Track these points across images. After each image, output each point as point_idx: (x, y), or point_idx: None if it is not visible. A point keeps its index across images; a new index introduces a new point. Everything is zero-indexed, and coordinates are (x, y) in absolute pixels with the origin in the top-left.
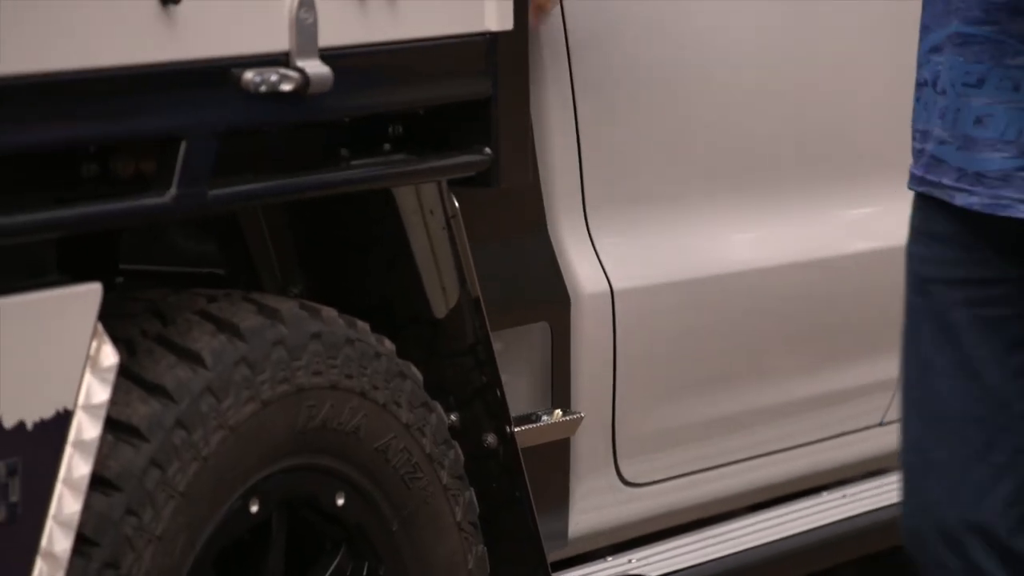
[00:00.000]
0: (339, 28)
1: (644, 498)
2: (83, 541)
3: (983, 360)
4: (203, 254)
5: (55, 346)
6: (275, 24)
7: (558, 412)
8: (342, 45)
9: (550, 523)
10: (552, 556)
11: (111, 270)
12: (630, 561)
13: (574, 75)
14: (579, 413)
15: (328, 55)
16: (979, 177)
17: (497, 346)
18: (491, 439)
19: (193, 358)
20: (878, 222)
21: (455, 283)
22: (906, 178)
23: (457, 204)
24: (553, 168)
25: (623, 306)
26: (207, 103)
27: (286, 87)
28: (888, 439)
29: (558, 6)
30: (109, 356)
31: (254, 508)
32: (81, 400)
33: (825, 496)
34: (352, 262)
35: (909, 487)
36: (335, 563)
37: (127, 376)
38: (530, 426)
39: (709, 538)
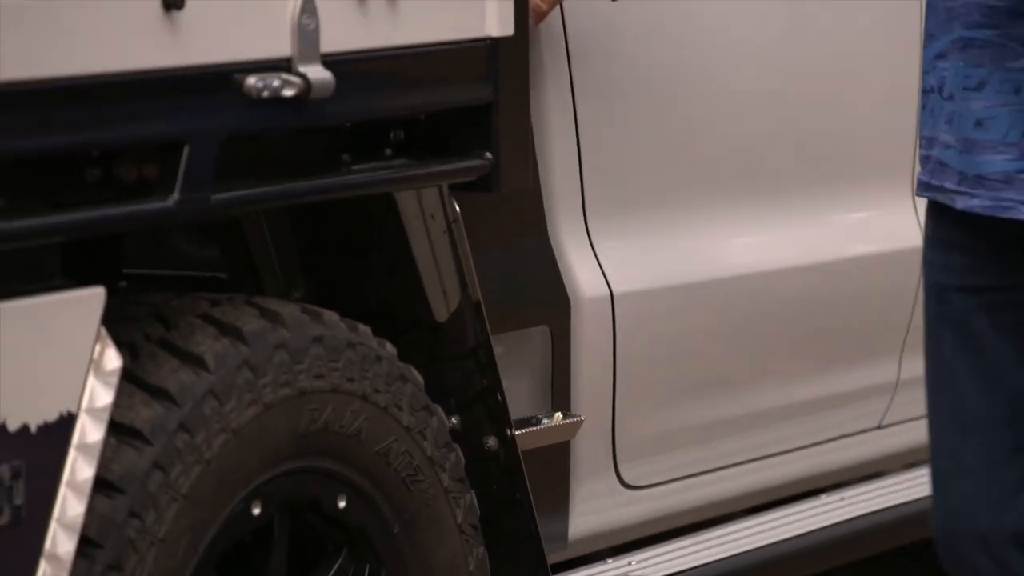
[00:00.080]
0: (341, 34)
1: (644, 501)
2: (87, 543)
3: (1006, 364)
4: (206, 258)
5: (59, 350)
6: (277, 30)
7: (558, 415)
8: (344, 51)
9: (550, 525)
10: (552, 558)
11: (114, 274)
12: (630, 563)
13: (574, 80)
14: (579, 416)
15: (330, 61)
16: (980, 180)
17: (498, 349)
18: (492, 442)
19: (196, 361)
20: (877, 226)
21: (456, 287)
22: (905, 183)
23: (458, 208)
24: (553, 172)
25: (623, 310)
26: (210, 108)
27: (288, 92)
28: (886, 442)
29: (556, 9)
30: (112, 360)
31: (256, 511)
32: (84, 403)
33: (823, 499)
34: (354, 266)
35: (939, 492)
36: (337, 565)
37: (130, 379)
38: (530, 429)
39: (708, 540)
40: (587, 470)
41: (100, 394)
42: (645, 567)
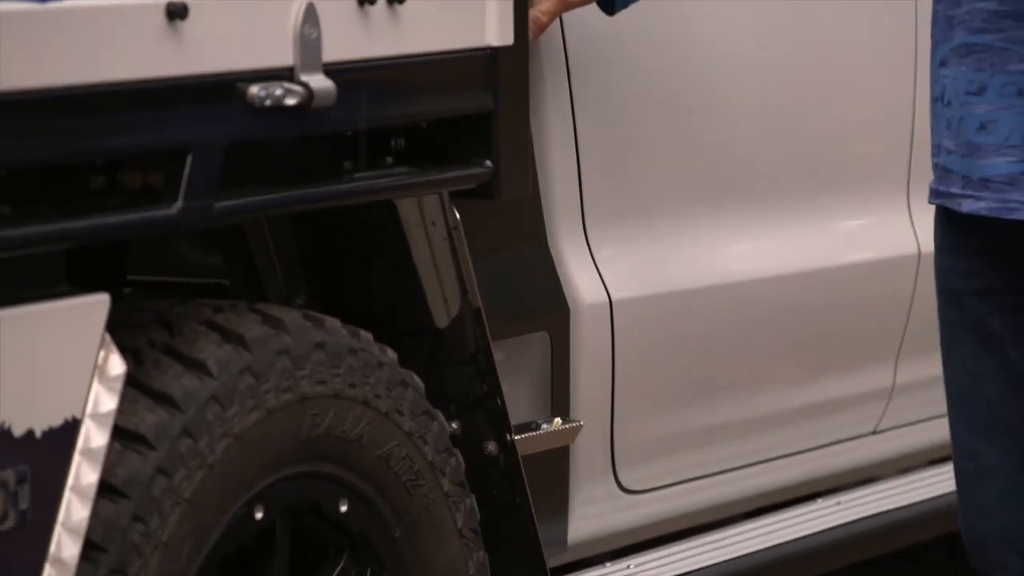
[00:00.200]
0: (342, 43)
1: (642, 505)
2: (91, 547)
3: None
4: (209, 265)
5: (63, 356)
6: (280, 39)
7: (558, 420)
8: (345, 60)
9: (550, 529)
10: (552, 562)
11: (119, 281)
12: (628, 567)
13: (573, 89)
14: (578, 421)
15: (332, 70)
16: (985, 182)
17: (498, 355)
18: (492, 447)
19: (199, 367)
20: (873, 234)
21: (456, 293)
22: (901, 191)
23: (458, 216)
24: (553, 180)
25: (621, 316)
26: (213, 117)
27: (290, 101)
28: (882, 447)
29: (556, 20)
30: (117, 365)
31: (259, 515)
32: (89, 409)
33: (820, 503)
34: (355, 273)
35: (965, 494)
36: (338, 569)
37: (134, 385)
38: (530, 434)
39: (706, 544)
40: (586, 475)
41: (104, 399)
42: (644, 571)
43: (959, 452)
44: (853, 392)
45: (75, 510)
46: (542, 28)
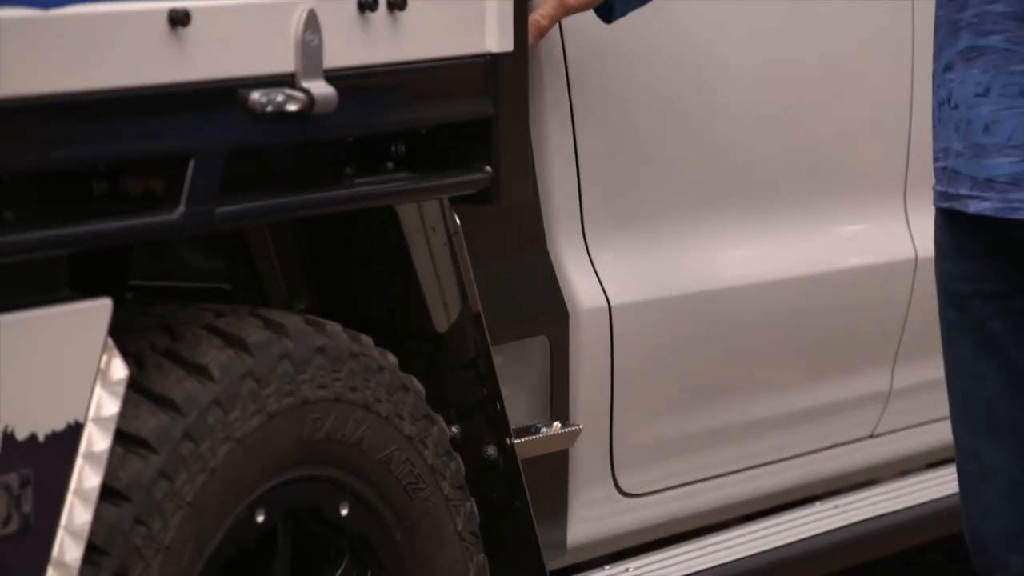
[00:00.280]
0: (343, 50)
1: (641, 508)
2: (93, 550)
3: None
4: (211, 270)
5: (66, 360)
6: (281, 46)
7: (557, 424)
8: (346, 66)
9: (549, 533)
10: (551, 565)
11: (121, 286)
12: (627, 570)
13: (573, 95)
14: (577, 425)
15: (333, 76)
16: (989, 183)
17: (497, 360)
18: (491, 451)
19: (201, 372)
20: (870, 239)
21: (456, 298)
22: (898, 196)
23: (458, 221)
24: (552, 186)
25: (620, 321)
26: (215, 123)
27: (292, 107)
28: (879, 451)
29: (555, 25)
30: (119, 370)
31: (260, 518)
32: (92, 413)
33: (818, 506)
34: (356, 278)
35: (968, 495)
36: (339, 572)
37: (136, 389)
38: (529, 438)
39: (704, 547)
40: (585, 478)
41: (107, 404)
42: (642, 573)
43: (962, 453)
44: (851, 396)
45: (78, 513)
46: (543, 32)
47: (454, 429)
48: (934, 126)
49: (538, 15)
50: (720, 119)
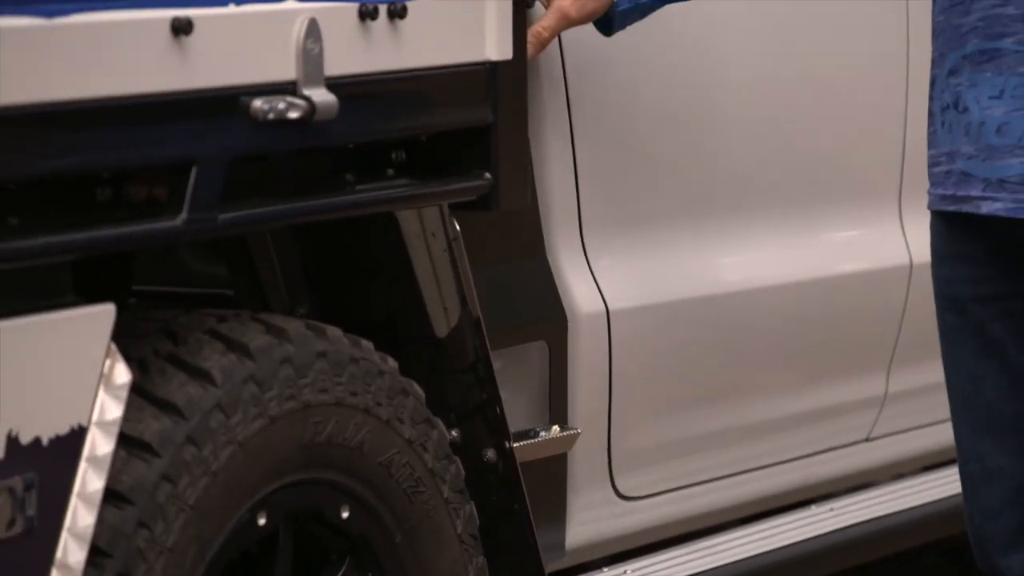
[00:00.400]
0: (344, 58)
1: (639, 511)
2: (97, 553)
3: None
4: (213, 276)
5: (70, 365)
6: (283, 54)
7: (556, 428)
8: (347, 74)
9: (548, 535)
10: (550, 567)
11: (124, 291)
12: (625, 572)
13: (571, 102)
14: (576, 429)
15: (334, 84)
16: (1002, 183)
17: (497, 364)
18: (491, 454)
19: (203, 376)
20: (866, 245)
21: (456, 303)
22: (893, 203)
23: (458, 227)
24: (551, 192)
25: (618, 326)
26: (217, 130)
27: (293, 115)
28: (875, 454)
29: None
30: (122, 374)
31: (262, 521)
32: (95, 417)
33: (814, 509)
34: (357, 283)
35: (971, 496)
36: (340, 574)
37: (139, 393)
38: (528, 441)
39: (702, 549)
40: (584, 481)
41: (110, 408)
42: (640, 575)
43: (964, 455)
44: (846, 400)
45: (81, 516)
46: (544, 43)
47: (454, 433)
48: (934, 131)
49: (540, 27)
50: (717, 126)
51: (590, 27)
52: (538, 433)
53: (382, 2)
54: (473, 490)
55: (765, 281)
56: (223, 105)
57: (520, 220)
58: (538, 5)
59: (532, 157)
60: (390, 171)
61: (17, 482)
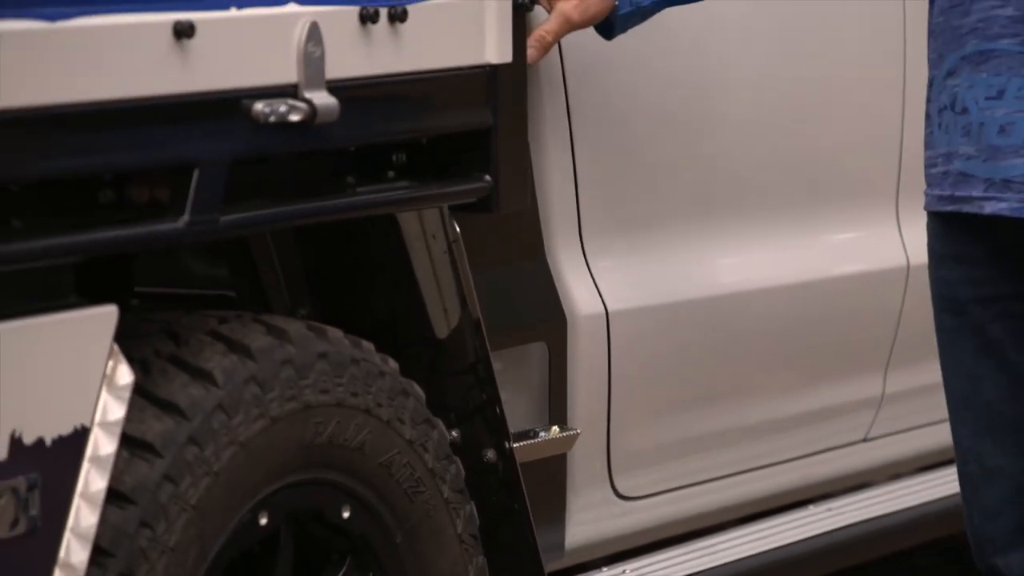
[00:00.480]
0: (345, 61)
1: (638, 511)
2: (99, 552)
3: None
4: (215, 277)
5: (73, 365)
6: (284, 57)
7: (555, 428)
8: (348, 77)
9: (547, 535)
10: (549, 567)
11: (127, 293)
12: (624, 572)
13: (571, 105)
14: (575, 429)
15: (335, 87)
16: (1007, 183)
17: (497, 365)
18: (491, 454)
19: (205, 377)
20: (863, 247)
21: (456, 305)
22: (890, 205)
23: (458, 229)
24: (550, 194)
25: (618, 327)
26: (219, 133)
27: (294, 117)
28: (872, 454)
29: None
30: (124, 375)
31: (263, 521)
32: (98, 417)
33: (812, 509)
34: (357, 285)
35: (971, 496)
36: (341, 574)
37: (142, 394)
38: (528, 442)
39: (700, 549)
40: (583, 482)
41: (113, 408)
42: (639, 575)
43: (963, 455)
44: (844, 401)
45: (84, 516)
46: (548, 47)
47: (454, 433)
48: (931, 132)
49: (543, 30)
50: (716, 129)
51: (589, 30)
52: (538, 434)
53: (383, 5)
54: (473, 490)
55: (763, 283)
56: (225, 108)
57: (520, 222)
58: (538, 9)
59: (532, 160)
60: (391, 173)
61: (20, 482)
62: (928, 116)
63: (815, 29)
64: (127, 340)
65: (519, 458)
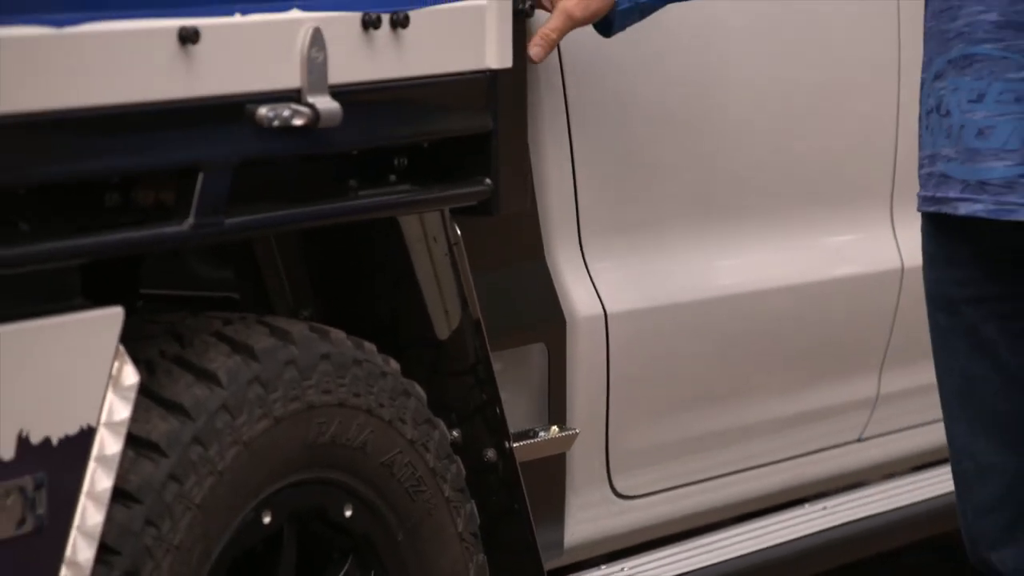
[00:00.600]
0: (348, 66)
1: (636, 510)
2: (105, 550)
3: (1021, 368)
4: (219, 279)
5: (79, 366)
6: (288, 62)
7: (554, 428)
8: (351, 82)
9: (547, 534)
10: (549, 565)
11: (132, 294)
12: (622, 570)
13: (570, 108)
14: (574, 429)
15: (337, 91)
16: (983, 185)
17: (497, 366)
18: (491, 454)
19: (209, 377)
20: (858, 249)
21: (457, 306)
22: (885, 208)
23: (459, 231)
24: (550, 197)
25: (616, 328)
26: (223, 137)
27: (298, 122)
28: (866, 454)
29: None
30: (130, 376)
31: (266, 519)
32: (104, 417)
33: (807, 508)
34: (360, 286)
35: (965, 493)
36: (343, 572)
37: (147, 395)
38: (528, 442)
39: (698, 547)
40: (582, 481)
41: (118, 408)
42: (638, 573)
43: (956, 453)
44: (839, 401)
45: (90, 515)
46: (552, 45)
47: (455, 433)
48: (920, 134)
49: (547, 28)
50: (714, 131)
51: (589, 32)
52: (537, 433)
53: (385, 11)
54: (474, 489)
55: (760, 284)
56: (229, 112)
57: (520, 224)
58: (538, 14)
59: (531, 162)
60: (392, 177)
61: (27, 481)
62: (919, 118)
63: (812, 33)
64: (133, 341)
65: (519, 457)
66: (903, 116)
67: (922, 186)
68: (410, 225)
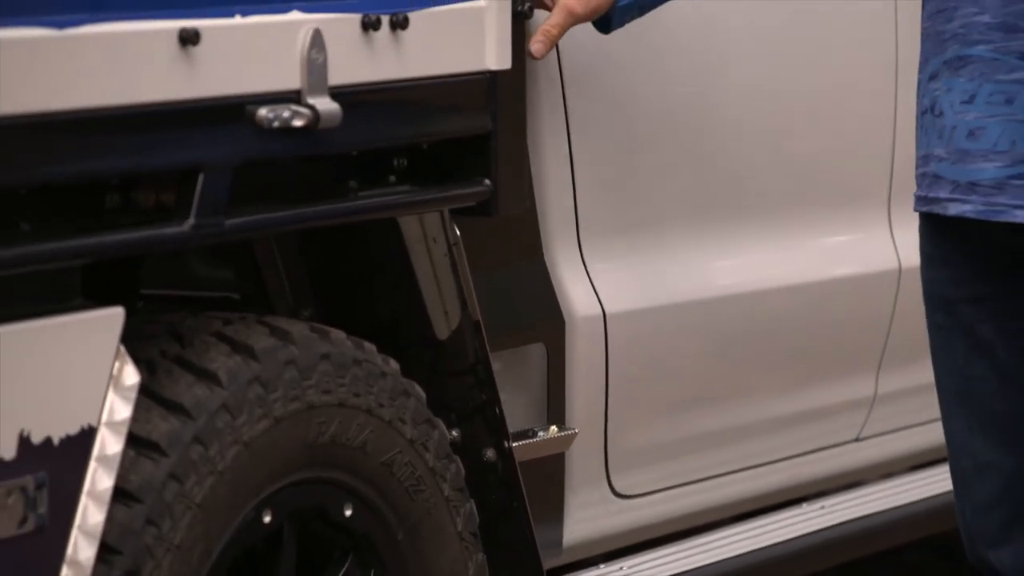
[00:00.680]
0: (348, 67)
1: (635, 509)
2: (106, 550)
3: (1018, 367)
4: (219, 280)
5: (80, 366)
6: (288, 63)
7: (553, 428)
8: (350, 83)
9: (546, 533)
10: (548, 564)
11: (133, 295)
12: (621, 569)
13: (569, 109)
14: (573, 429)
15: (337, 92)
16: (972, 186)
17: (496, 366)
18: (490, 454)
19: (210, 377)
20: (856, 249)
21: (456, 306)
22: (882, 209)
23: (458, 232)
24: (549, 197)
25: (615, 328)
26: (223, 138)
27: (298, 123)
28: (864, 454)
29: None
30: (131, 376)
31: (267, 519)
32: (104, 417)
33: (805, 507)
34: (359, 287)
35: (963, 492)
36: (343, 571)
37: (148, 394)
38: (527, 441)
39: (696, 547)
40: (581, 480)
41: (119, 408)
42: (636, 572)
43: (955, 451)
44: (837, 401)
45: (91, 514)
46: (554, 41)
47: (454, 433)
48: (916, 135)
49: (548, 25)
50: (713, 131)
51: (587, 33)
52: (536, 433)
53: (384, 13)
54: (473, 489)
55: (758, 284)
56: (229, 113)
57: (519, 225)
58: (537, 15)
59: (530, 163)
60: (392, 178)
61: (29, 481)
62: (916, 119)
63: (811, 34)
64: (133, 341)
65: (518, 457)
66: (900, 117)
67: (917, 186)
68: (410, 226)
